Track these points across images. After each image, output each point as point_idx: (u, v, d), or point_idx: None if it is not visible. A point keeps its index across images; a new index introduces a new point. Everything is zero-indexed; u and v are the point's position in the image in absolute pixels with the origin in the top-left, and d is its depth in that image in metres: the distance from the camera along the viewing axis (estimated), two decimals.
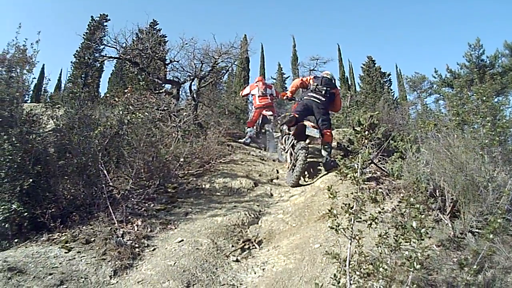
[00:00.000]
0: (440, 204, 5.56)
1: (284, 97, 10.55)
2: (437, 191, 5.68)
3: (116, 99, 10.29)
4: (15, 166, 5.79)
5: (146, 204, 6.88)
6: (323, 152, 8.70)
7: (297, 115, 8.83)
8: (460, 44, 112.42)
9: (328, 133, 8.82)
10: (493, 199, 5.06)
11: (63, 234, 5.68)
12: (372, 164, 7.43)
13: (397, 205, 5.85)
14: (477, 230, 5.01)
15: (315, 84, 9.27)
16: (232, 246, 5.78)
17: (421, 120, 8.86)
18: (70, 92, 8.52)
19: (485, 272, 4.28)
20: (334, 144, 9.84)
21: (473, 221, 5.07)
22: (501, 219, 3.77)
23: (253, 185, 8.35)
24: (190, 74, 13.97)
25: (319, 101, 9.07)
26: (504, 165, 5.80)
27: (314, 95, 9.08)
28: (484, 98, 6.88)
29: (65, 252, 5.15)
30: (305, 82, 9.60)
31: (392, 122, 12.27)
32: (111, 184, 6.75)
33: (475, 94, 7.50)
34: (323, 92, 9.16)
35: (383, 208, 5.27)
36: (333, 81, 9.71)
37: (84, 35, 46.30)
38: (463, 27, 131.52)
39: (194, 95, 13.50)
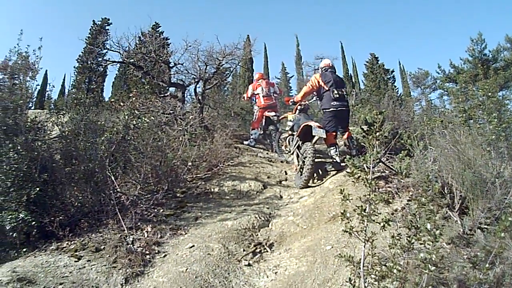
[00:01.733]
0: (449, 201, 5.51)
1: (290, 102, 10.45)
2: (445, 188, 5.62)
3: (121, 103, 10.23)
4: (21, 174, 5.76)
5: (155, 210, 6.83)
6: (332, 152, 8.67)
7: (332, 130, 8.79)
8: (462, 38, 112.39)
9: (334, 135, 8.84)
10: (501, 194, 5.04)
11: (72, 242, 5.64)
12: (380, 163, 7.38)
13: (407, 204, 5.84)
14: (485, 226, 4.99)
15: (330, 86, 9.03)
16: (244, 250, 5.74)
17: (426, 117, 8.82)
18: (74, 98, 8.47)
19: (495, 269, 4.23)
20: (341, 143, 9.87)
21: (481, 218, 5.05)
22: (507, 220, 3.72)
23: (262, 188, 8.31)
24: (195, 77, 13.86)
25: (344, 108, 8.99)
26: (510, 160, 5.77)
27: (338, 103, 8.89)
28: (490, 94, 6.83)
29: (75, 261, 5.12)
30: (314, 87, 9.25)
31: (398, 120, 12.22)
32: (119, 190, 6.71)
33: (480, 90, 7.45)
34: (344, 96, 9.06)
35: (396, 210, 5.20)
36: (338, 75, 9.67)
37: (86, 39, 46.72)
38: (465, 21, 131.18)
39: (200, 98, 13.43)
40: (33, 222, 5.51)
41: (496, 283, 4.52)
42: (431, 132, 7.12)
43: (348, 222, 3.84)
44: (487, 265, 3.55)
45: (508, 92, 24.29)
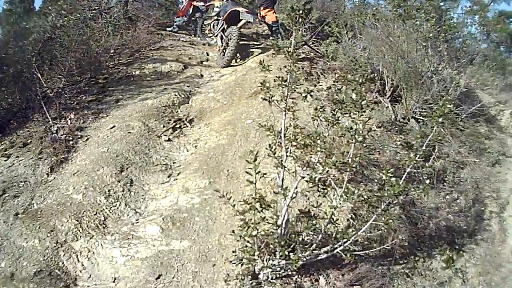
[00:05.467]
0: (379, 87, 5.67)
1: None
2: (375, 74, 5.74)
3: (49, 8, 10.11)
4: None
5: (78, 98, 6.90)
6: (274, 28, 8.83)
7: (270, 6, 8.92)
8: None
9: (272, 12, 8.88)
10: (438, 90, 5.23)
11: (2, 143, 5.77)
12: (306, 46, 7.50)
13: (333, 84, 5.93)
14: (421, 117, 5.19)
15: None
16: (164, 126, 5.93)
17: (358, 11, 8.90)
18: (6, 9, 8.43)
19: (434, 161, 4.43)
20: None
21: (416, 108, 5.23)
22: (451, 105, 3.82)
23: (183, 68, 8.36)
24: None
25: None
26: (450, 61, 5.90)
27: None
28: None
29: (5, 160, 5.30)
30: None
31: (326, 10, 12.22)
32: (45, 85, 6.82)
33: None
34: None
35: (322, 89, 5.37)
36: None
37: None
38: None
39: None
40: None
41: (437, 177, 4.79)
42: (362, 24, 7.24)
43: (268, 91, 3.96)
44: (424, 149, 3.72)
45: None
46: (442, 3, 9.21)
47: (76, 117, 6.24)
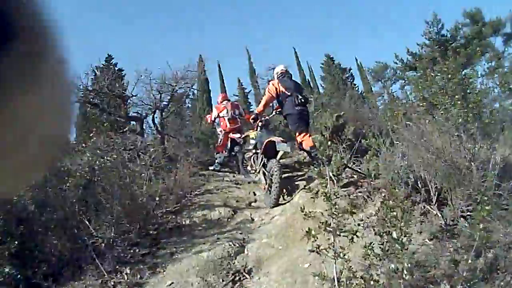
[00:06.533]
0: (425, 195, 5.53)
1: (251, 119, 10.28)
2: (419, 182, 5.65)
3: (84, 145, 10.16)
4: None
5: (131, 251, 6.81)
6: (314, 154, 8.44)
7: (305, 131, 8.89)
8: (418, 23, 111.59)
9: (308, 136, 8.84)
10: (478, 178, 5.04)
11: None
12: (348, 169, 7.43)
13: (381, 207, 5.89)
14: (468, 214, 5.00)
15: (292, 91, 9.10)
16: (223, 280, 5.81)
17: (389, 110, 8.84)
18: None
19: (486, 254, 4.29)
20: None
21: (462, 206, 5.07)
22: (491, 203, 3.76)
23: (233, 213, 8.30)
24: (151, 107, 13.72)
25: (305, 112, 9.14)
26: (483, 140, 5.73)
27: (301, 107, 8.99)
28: (450, 75, 6.85)
29: None
30: (274, 93, 9.28)
31: (361, 119, 12.19)
32: (94, 234, 6.65)
33: (438, 74, 7.53)
34: (306, 101, 9.22)
35: (371, 214, 5.28)
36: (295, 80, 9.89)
37: None
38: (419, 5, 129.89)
39: (159, 128, 13.35)
40: (19, 276, 5.54)
41: (490, 268, 4.61)
42: (395, 126, 7.17)
43: (315, 241, 3.91)
44: (470, 258, 3.62)
45: (471, 70, 24.28)
46: (464, 73, 9.04)
47: (132, 272, 6.18)
